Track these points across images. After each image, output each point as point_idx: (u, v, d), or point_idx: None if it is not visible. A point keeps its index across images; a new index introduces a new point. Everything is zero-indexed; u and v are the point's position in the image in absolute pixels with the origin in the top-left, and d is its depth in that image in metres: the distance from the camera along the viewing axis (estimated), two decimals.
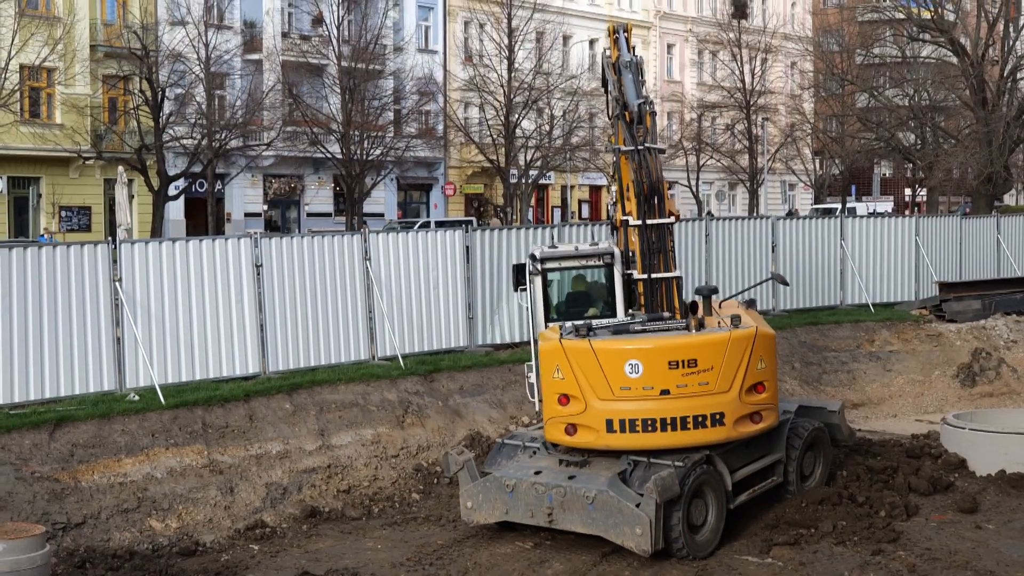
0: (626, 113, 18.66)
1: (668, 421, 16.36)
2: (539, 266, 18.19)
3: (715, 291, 18.05)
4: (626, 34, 20.70)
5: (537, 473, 16.76)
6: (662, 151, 18.92)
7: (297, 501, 18.99)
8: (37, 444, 18.04)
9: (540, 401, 17.53)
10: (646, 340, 16.62)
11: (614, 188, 20.01)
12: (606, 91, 20.98)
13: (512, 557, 16.42)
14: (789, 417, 18.58)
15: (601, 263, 18.38)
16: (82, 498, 17.43)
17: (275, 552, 17.20)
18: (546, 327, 18.03)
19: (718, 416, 16.58)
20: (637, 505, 15.62)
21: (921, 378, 28.19)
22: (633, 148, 18.15)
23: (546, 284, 18.41)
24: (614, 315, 18.02)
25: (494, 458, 18.02)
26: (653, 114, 18.82)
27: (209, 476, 18.74)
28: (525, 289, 18.77)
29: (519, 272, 18.78)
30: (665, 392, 16.31)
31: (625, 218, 18.16)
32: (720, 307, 18.81)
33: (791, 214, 66.88)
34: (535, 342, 17.87)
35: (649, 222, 17.72)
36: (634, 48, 20.34)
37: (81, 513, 17.19)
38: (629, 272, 18.08)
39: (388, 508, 19.33)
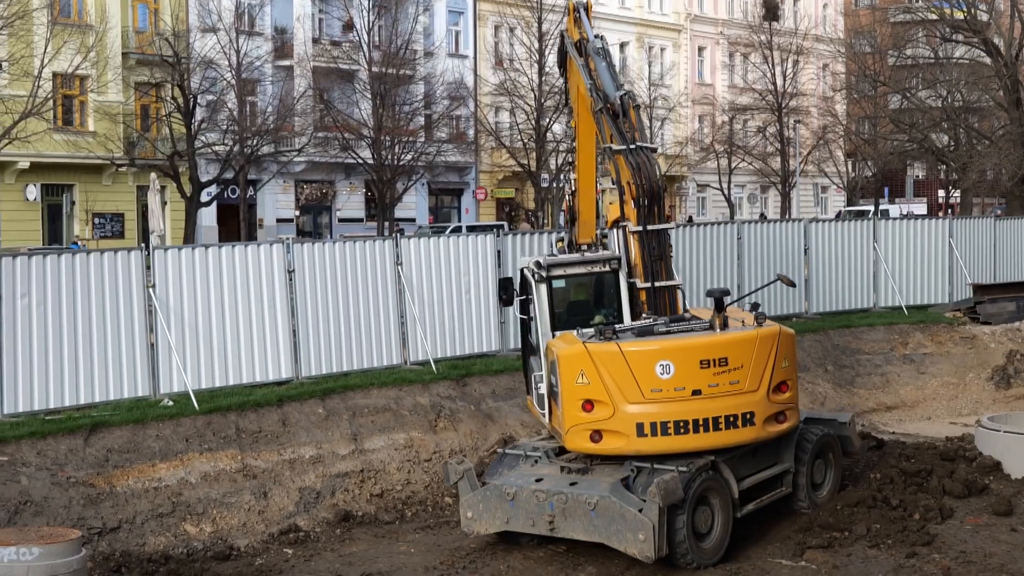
0: (608, 106, 17.99)
1: (700, 422, 16.10)
2: (544, 273, 17.49)
3: (727, 293, 17.77)
4: (587, 13, 19.61)
5: (538, 481, 16.43)
6: (654, 150, 18.05)
7: (330, 505, 19.04)
8: (72, 449, 18.15)
9: (548, 413, 17.20)
10: (676, 340, 16.32)
11: (574, 176, 19.92)
12: (564, 76, 20.37)
13: (545, 560, 16.41)
14: (798, 426, 17.90)
15: (607, 269, 17.85)
16: (117, 503, 17.54)
17: (309, 556, 17.25)
18: (552, 336, 17.38)
19: (748, 416, 16.46)
20: (640, 510, 15.32)
21: (955, 380, 28.04)
22: (625, 147, 17.52)
23: (551, 292, 17.73)
24: (620, 321, 17.43)
25: (495, 468, 17.60)
26: (637, 107, 18.28)
27: (243, 481, 18.81)
28: (510, 304, 18.65)
29: (506, 286, 18.45)
30: (697, 392, 16.07)
31: (625, 223, 17.49)
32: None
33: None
34: (543, 352, 17.27)
35: (651, 227, 17.27)
36: (601, 37, 19.44)
37: (116, 518, 17.29)
38: (632, 280, 17.59)
39: (421, 512, 19.37)
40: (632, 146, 17.50)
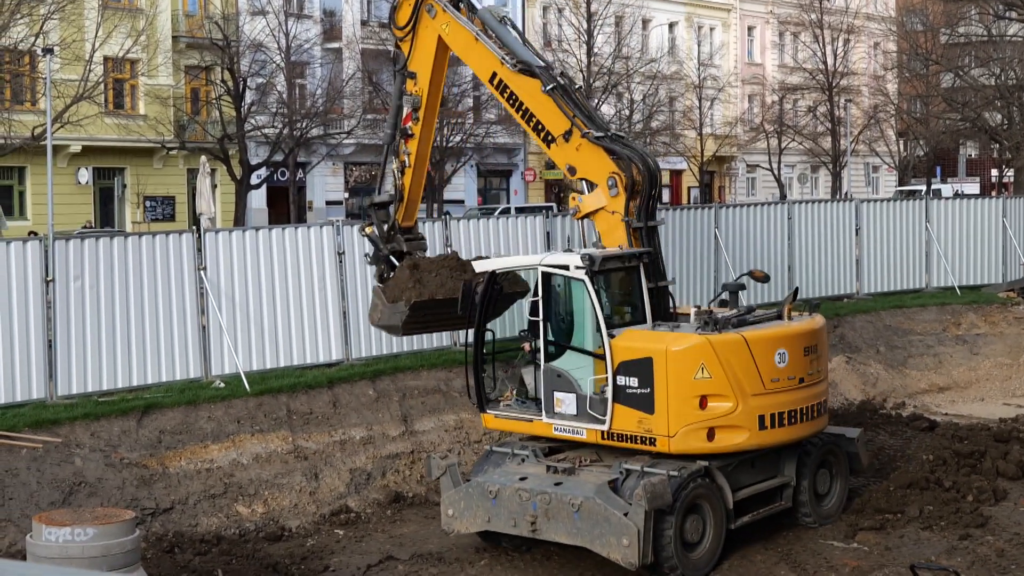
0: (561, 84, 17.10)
1: (804, 411, 15.96)
2: (596, 267, 15.73)
3: (743, 287, 17.58)
4: None
5: (522, 480, 15.65)
6: (620, 137, 17.30)
7: (381, 486, 19.10)
8: (126, 431, 18.30)
9: (610, 418, 15.48)
10: (788, 327, 16.07)
11: (407, 150, 18.70)
12: (409, 30, 18.55)
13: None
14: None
15: (636, 264, 16.41)
16: (170, 484, 17.67)
17: (360, 537, 17.33)
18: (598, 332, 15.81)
19: (824, 404, 16.58)
20: (625, 514, 14.55)
21: (1009, 361, 27.76)
22: (603, 134, 16.79)
23: (599, 289, 15.90)
24: (643, 320, 16.23)
25: (481, 465, 16.82)
26: (579, 89, 17.63)
27: (294, 462, 18.91)
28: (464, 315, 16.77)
29: (467, 295, 16.75)
30: (802, 381, 15.96)
31: (628, 218, 16.41)
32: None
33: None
34: (607, 350, 15.55)
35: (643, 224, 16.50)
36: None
37: (169, 499, 17.43)
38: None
39: None
40: (609, 134, 16.99)
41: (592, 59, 54.99)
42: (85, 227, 44.07)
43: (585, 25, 55.54)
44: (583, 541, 14.89)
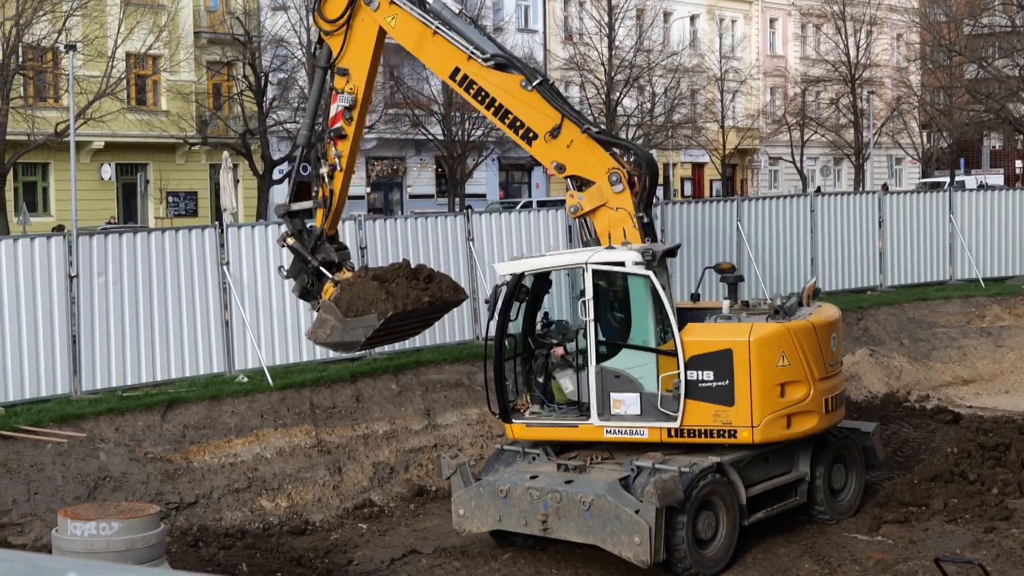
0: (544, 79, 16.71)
1: (841, 395, 16.60)
2: (656, 262, 15.42)
3: (741, 279, 17.73)
4: None
5: (533, 478, 15.46)
6: (605, 132, 17.28)
7: (404, 480, 19.13)
8: (150, 425, 18.36)
9: (682, 414, 15.21)
10: (831, 313, 16.57)
11: (338, 152, 17.34)
12: (343, 23, 17.16)
13: None
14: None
15: (667, 258, 16.47)
16: (194, 478, 17.72)
17: (383, 531, 17.36)
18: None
19: (844, 391, 16.98)
20: (636, 511, 14.40)
21: None
22: (599, 130, 16.77)
23: (664, 284, 15.64)
24: (665, 316, 15.67)
25: (492, 464, 16.64)
26: (554, 83, 16.97)
27: (317, 456, 18.94)
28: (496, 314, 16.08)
29: (495, 299, 16.14)
30: (840, 365, 16.73)
31: (640, 213, 16.21)
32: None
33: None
34: (678, 345, 15.28)
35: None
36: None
37: (193, 493, 17.48)
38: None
39: None
40: (599, 129, 16.98)
41: (613, 52, 54.88)
42: (109, 223, 44.23)
43: (606, 18, 55.42)
44: (594, 539, 14.79)
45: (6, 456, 16.91)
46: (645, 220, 16.35)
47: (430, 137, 52.93)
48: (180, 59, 49.06)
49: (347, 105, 17.15)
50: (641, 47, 57.68)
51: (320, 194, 17.46)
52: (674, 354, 15.35)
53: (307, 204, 17.78)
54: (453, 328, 23.14)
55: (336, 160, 17.32)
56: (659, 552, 14.40)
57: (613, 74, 54.38)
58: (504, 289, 16.05)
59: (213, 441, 18.51)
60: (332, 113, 17.35)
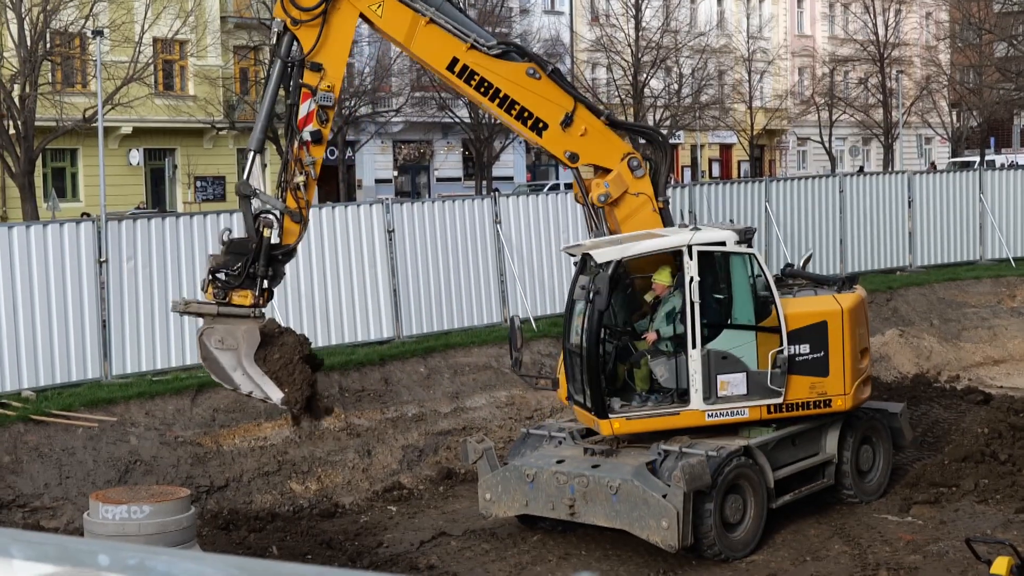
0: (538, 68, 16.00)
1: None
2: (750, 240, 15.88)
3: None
4: None
5: (559, 462, 15.38)
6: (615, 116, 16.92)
7: (433, 463, 19.16)
8: (180, 409, 18.44)
9: (786, 390, 15.37)
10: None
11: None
12: (321, 16, 15.08)
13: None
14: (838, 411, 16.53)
15: None
16: (224, 462, 17.79)
17: (413, 513, 17.39)
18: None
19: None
20: (664, 496, 14.27)
21: None
22: (609, 115, 16.50)
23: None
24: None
25: (518, 448, 16.54)
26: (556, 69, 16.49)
27: (347, 439, 18.99)
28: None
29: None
30: None
31: (664, 196, 16.37)
32: None
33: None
34: (782, 321, 15.39)
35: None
36: None
37: (223, 476, 17.55)
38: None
39: None
40: (608, 113, 16.67)
41: (640, 33, 54.68)
42: (138, 208, 44.38)
43: None
44: (622, 524, 14.68)
45: (38, 440, 17.01)
46: (661, 205, 16.22)
47: (457, 120, 52.90)
48: (207, 44, 49.13)
49: (326, 105, 15.35)
50: (668, 28, 57.45)
51: (297, 207, 15.37)
52: (776, 330, 15.44)
53: (291, 244, 15.46)
54: (482, 311, 23.17)
55: (311, 168, 15.42)
56: (687, 536, 14.30)
57: (640, 55, 54.18)
58: (589, 290, 15.11)
59: (243, 424, 18.58)
60: (303, 113, 15.40)
